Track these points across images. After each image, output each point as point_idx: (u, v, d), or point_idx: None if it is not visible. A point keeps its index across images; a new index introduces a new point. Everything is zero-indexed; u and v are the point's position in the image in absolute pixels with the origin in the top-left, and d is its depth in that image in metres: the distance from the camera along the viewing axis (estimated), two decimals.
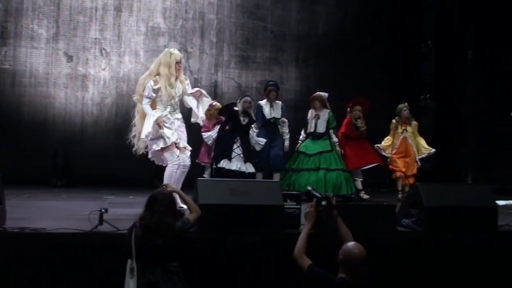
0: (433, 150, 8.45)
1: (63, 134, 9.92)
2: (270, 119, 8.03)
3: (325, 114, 8.15)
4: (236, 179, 6.54)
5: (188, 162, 6.25)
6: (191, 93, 6.43)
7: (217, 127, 7.89)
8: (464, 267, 5.23)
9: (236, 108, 7.77)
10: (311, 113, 8.24)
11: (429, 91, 10.57)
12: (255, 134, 7.85)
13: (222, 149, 7.64)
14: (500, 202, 7.22)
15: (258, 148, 7.78)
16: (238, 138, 7.65)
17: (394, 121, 8.46)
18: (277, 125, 8.07)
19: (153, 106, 6.21)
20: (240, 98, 7.95)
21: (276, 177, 7.86)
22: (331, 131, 8.21)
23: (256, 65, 10.84)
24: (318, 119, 8.13)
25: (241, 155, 7.61)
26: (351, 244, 3.88)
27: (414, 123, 8.49)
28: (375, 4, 11.13)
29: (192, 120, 6.66)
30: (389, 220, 5.39)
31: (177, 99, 6.26)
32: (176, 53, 6.27)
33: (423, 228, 5.40)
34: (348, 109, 8.60)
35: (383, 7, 11.15)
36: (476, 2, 10.39)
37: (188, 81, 6.47)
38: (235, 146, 7.62)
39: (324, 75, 10.81)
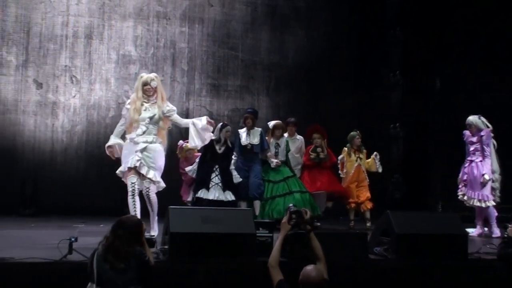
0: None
1: (32, 162, 9.77)
2: (246, 145, 7.95)
3: (283, 142, 8.23)
4: (209, 207, 6.51)
5: (143, 185, 6.16)
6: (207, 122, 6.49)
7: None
8: None
9: (212, 137, 7.77)
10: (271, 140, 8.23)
11: (398, 120, 10.73)
12: (234, 167, 7.79)
13: (200, 179, 7.63)
14: (470, 230, 7.36)
15: (235, 181, 7.76)
16: (216, 167, 7.63)
17: (345, 149, 8.49)
18: (255, 151, 7.98)
19: (130, 129, 6.31)
20: (221, 127, 7.88)
21: (256, 204, 7.80)
22: (290, 156, 8.31)
23: (227, 94, 10.90)
24: (279, 147, 8.18)
25: (220, 184, 7.58)
26: (309, 267, 3.98)
27: (364, 151, 8.52)
28: (343, 35, 11.35)
29: (191, 145, 6.72)
30: (361, 248, 5.41)
31: (145, 122, 6.22)
32: (145, 76, 6.34)
33: (394, 256, 5.44)
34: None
35: (351, 38, 11.37)
36: (443, 33, 10.67)
37: (167, 105, 6.40)
38: (213, 175, 7.61)
39: (295, 103, 10.93)
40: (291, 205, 4.92)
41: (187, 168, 7.85)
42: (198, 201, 7.44)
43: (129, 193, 6.10)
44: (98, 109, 10.15)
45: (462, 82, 10.46)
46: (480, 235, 7.72)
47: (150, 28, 10.54)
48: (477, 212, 7.88)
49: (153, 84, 6.26)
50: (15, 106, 9.80)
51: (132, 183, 6.09)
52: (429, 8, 10.79)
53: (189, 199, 7.90)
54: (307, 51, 11.26)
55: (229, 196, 7.55)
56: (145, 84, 6.23)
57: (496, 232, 7.56)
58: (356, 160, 8.40)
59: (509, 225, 5.22)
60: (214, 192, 7.50)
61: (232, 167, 7.74)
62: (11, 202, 9.05)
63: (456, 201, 8.21)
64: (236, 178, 7.70)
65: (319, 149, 8.31)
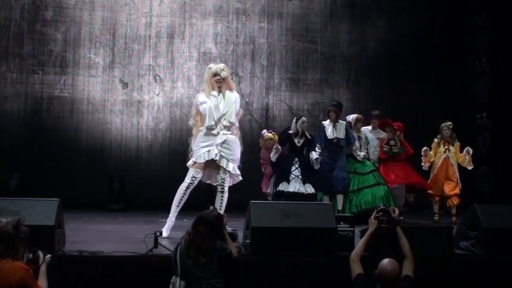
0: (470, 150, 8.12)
1: (119, 159, 10.19)
2: (332, 139, 7.84)
3: (363, 135, 8.16)
4: (289, 202, 6.51)
5: (218, 177, 6.04)
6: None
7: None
8: None
9: (290, 131, 7.80)
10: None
11: (485, 109, 10.31)
12: (314, 153, 7.75)
13: (280, 172, 7.68)
14: None
15: (315, 167, 7.69)
16: (296, 159, 7.66)
17: (436, 139, 8.20)
18: (341, 145, 7.88)
19: (202, 122, 6.14)
20: (297, 119, 7.88)
21: (339, 198, 7.74)
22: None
23: (307, 87, 10.86)
24: (361, 140, 8.09)
25: (300, 177, 7.58)
26: (385, 261, 3.97)
27: (457, 143, 8.16)
28: (425, 24, 11.02)
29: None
30: (447, 242, 5.26)
31: (221, 114, 6.03)
32: (214, 67, 6.15)
33: (482, 251, 5.26)
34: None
35: (434, 26, 11.03)
36: None
37: (236, 96, 6.25)
38: (293, 168, 7.63)
39: (376, 95, 10.73)
40: (380, 204, 5.10)
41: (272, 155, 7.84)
42: (279, 194, 7.48)
43: (185, 185, 6.01)
44: (181, 106, 10.40)
45: None
46: None
47: (230, 25, 10.68)
48: None
49: (223, 74, 6.08)
50: (103, 105, 10.23)
51: (194, 177, 6.01)
52: None
53: (269, 190, 7.95)
54: (388, 41, 11.03)
55: (309, 189, 7.55)
56: (215, 75, 6.07)
57: None
58: (444, 152, 8.10)
59: None
60: (295, 185, 7.52)
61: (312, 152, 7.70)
62: (101, 198, 9.47)
63: None
64: (313, 161, 7.65)
65: (392, 142, 8.11)
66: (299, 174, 7.59)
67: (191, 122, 6.40)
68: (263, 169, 8.12)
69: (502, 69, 10.22)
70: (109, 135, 10.24)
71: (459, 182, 8.09)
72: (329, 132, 7.87)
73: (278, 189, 7.55)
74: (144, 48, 10.41)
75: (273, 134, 8.17)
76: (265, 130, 8.32)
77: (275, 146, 7.79)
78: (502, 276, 5.07)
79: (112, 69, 10.30)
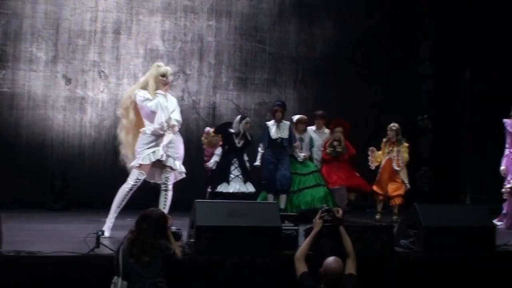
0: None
1: (61, 156, 9.91)
2: (276, 139, 7.87)
3: (307, 136, 8.22)
4: (234, 201, 6.51)
5: (162, 176, 6.04)
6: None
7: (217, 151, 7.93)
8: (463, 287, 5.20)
9: (231, 130, 7.78)
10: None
11: (427, 111, 10.58)
12: (259, 154, 7.83)
13: (219, 172, 7.63)
14: (498, 222, 7.24)
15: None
16: (235, 160, 7.65)
17: (384, 140, 8.37)
18: (284, 145, 7.91)
19: (140, 123, 6.08)
20: (240, 119, 7.87)
21: (283, 198, 7.78)
22: (313, 150, 8.34)
23: (254, 87, 10.87)
24: (303, 141, 8.16)
25: (240, 176, 7.58)
26: (330, 259, 4.07)
27: (405, 144, 8.32)
28: (373, 27, 11.18)
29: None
30: (387, 241, 5.36)
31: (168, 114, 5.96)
32: (164, 67, 6.09)
33: (421, 249, 5.39)
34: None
35: (381, 29, 11.21)
36: (473, 23, 10.46)
37: (176, 100, 6.23)
38: (232, 167, 7.62)
39: (323, 96, 10.83)
40: (324, 205, 5.27)
41: (211, 163, 7.89)
42: (218, 195, 7.46)
43: (128, 187, 5.95)
44: None
45: (494, 73, 10.24)
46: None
47: (178, 22, 10.58)
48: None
49: (170, 78, 6.09)
50: (45, 101, 9.94)
51: (138, 179, 5.96)
52: None
53: (209, 189, 7.92)
54: (336, 42, 11.15)
55: (250, 188, 7.58)
56: (163, 75, 6.00)
57: None
58: (389, 153, 8.25)
59: None
60: (235, 185, 7.54)
61: (246, 158, 7.76)
62: (41, 196, 9.21)
63: (486, 193, 8.06)
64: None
65: (335, 143, 8.20)
66: (239, 173, 7.60)
67: (120, 112, 6.29)
68: (206, 167, 8.09)
69: (445, 72, 10.50)
70: (51, 131, 9.95)
71: (406, 182, 8.25)
72: (273, 132, 7.91)
73: (217, 190, 7.53)
74: (88, 43, 10.18)
75: None
76: (208, 128, 8.31)
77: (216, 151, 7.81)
78: (439, 273, 5.21)
79: (55, 64, 10.02)
